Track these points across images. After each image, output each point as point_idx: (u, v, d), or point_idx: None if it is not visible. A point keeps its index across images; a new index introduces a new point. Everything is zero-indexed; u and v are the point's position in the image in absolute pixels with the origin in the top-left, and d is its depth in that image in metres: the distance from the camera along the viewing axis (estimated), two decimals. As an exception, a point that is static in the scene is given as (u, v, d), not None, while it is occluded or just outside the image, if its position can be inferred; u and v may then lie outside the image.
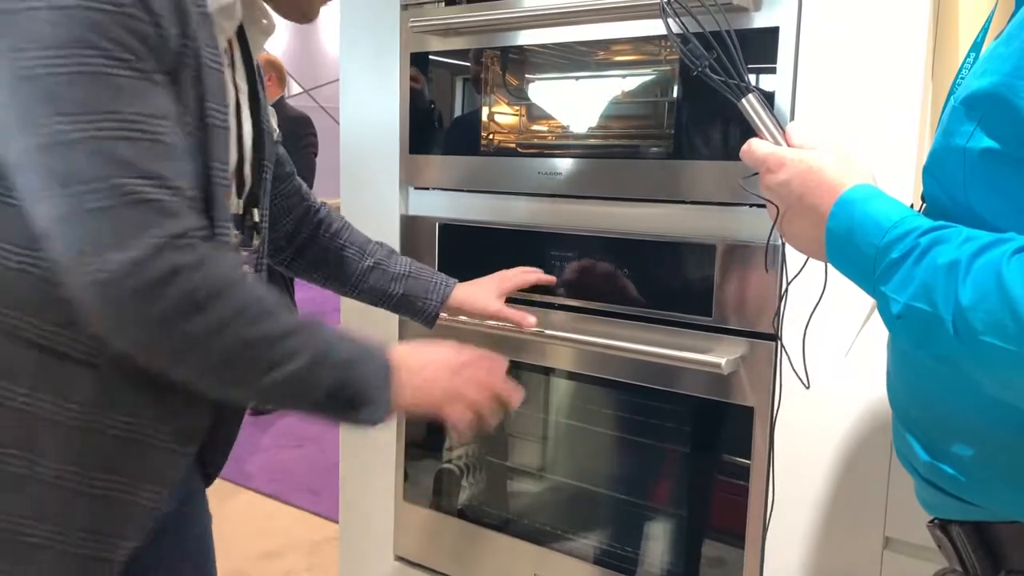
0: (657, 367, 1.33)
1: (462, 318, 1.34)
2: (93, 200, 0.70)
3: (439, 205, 1.61)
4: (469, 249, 1.55)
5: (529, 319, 1.31)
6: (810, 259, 0.83)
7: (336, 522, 1.93)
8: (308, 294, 4.52)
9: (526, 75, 1.52)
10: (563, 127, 1.50)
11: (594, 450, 1.52)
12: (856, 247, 0.71)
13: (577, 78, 1.47)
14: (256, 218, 0.97)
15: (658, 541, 1.42)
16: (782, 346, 1.19)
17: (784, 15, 1.18)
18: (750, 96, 0.84)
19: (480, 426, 0.96)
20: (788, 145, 0.82)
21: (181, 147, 0.76)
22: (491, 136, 1.55)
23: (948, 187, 0.69)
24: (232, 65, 0.91)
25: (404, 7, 1.58)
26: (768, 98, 1.18)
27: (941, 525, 0.78)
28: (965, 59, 0.82)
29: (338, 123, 1.74)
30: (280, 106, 3.86)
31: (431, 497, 1.67)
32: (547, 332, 1.39)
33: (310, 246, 1.24)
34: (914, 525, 1.06)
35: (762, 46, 1.19)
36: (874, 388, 1.13)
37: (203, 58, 0.80)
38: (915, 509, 0.83)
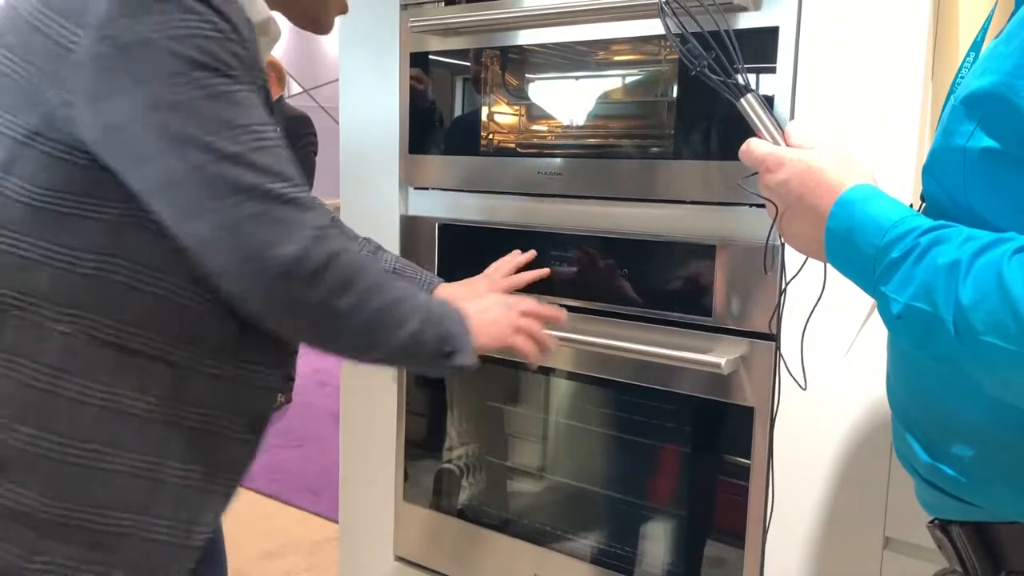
0: (657, 367, 1.33)
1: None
2: (250, 207, 0.79)
3: (439, 205, 1.61)
4: (469, 249, 1.55)
5: None
6: (809, 259, 0.83)
7: (336, 522, 1.93)
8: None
9: (526, 75, 1.52)
10: (563, 127, 1.50)
11: (594, 450, 1.52)
12: (856, 247, 0.71)
13: (577, 78, 1.47)
14: None
15: (658, 541, 1.42)
16: (778, 346, 1.19)
17: (784, 15, 1.18)
18: (749, 96, 0.84)
19: (543, 350, 1.15)
20: (787, 145, 0.81)
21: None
22: (491, 136, 1.55)
23: (948, 187, 0.69)
24: None
25: (404, 7, 1.58)
26: (768, 98, 1.18)
27: (941, 525, 0.78)
28: (965, 58, 0.81)
29: (338, 123, 1.74)
30: (280, 106, 3.87)
31: (431, 497, 1.67)
32: (546, 332, 1.39)
33: None
34: (914, 525, 1.06)
35: (762, 46, 1.19)
36: (874, 388, 1.13)
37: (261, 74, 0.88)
38: (915, 509, 0.83)
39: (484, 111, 1.54)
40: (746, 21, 1.19)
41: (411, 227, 1.62)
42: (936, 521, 0.79)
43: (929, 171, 0.73)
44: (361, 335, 0.89)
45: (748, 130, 0.85)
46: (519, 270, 1.40)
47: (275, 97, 3.83)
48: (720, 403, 1.28)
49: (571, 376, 1.49)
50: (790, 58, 1.18)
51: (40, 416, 0.82)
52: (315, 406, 3.88)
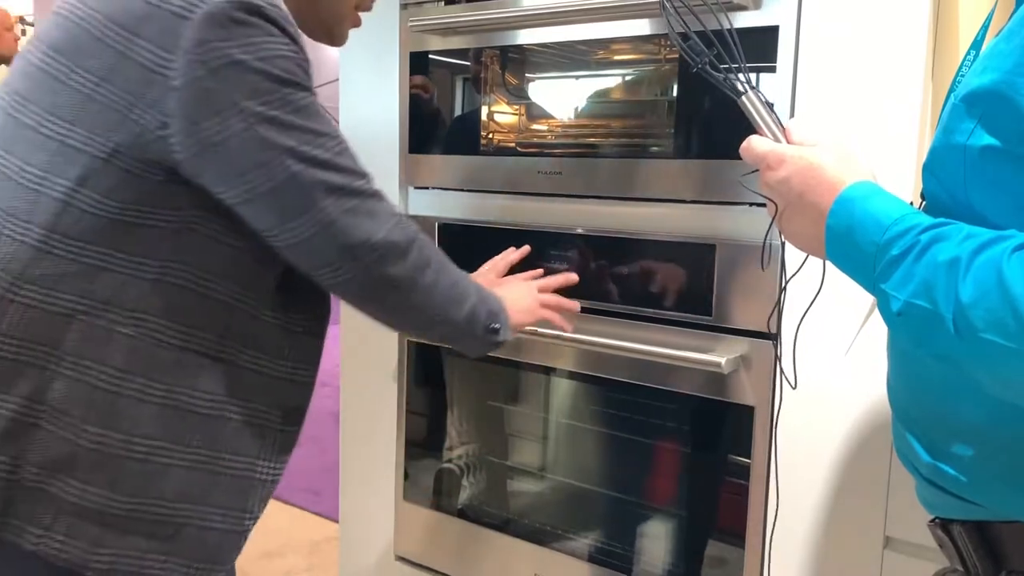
0: (657, 367, 1.33)
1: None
2: (344, 203, 0.89)
3: (439, 205, 1.61)
4: (469, 248, 1.55)
5: None
6: (809, 257, 0.83)
7: (336, 522, 1.93)
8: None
9: (526, 74, 1.52)
10: (563, 126, 1.49)
11: (594, 450, 1.52)
12: (856, 244, 0.71)
13: (576, 77, 1.47)
14: None
15: (658, 541, 1.42)
16: (777, 345, 1.19)
17: (784, 13, 1.17)
18: (750, 93, 0.84)
19: (571, 319, 1.30)
20: (788, 142, 0.81)
21: None
22: (491, 135, 1.55)
23: (948, 185, 0.69)
24: None
25: (403, 6, 1.58)
26: (768, 97, 1.17)
27: (942, 524, 0.78)
28: (965, 56, 0.81)
29: (338, 122, 1.74)
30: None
31: (431, 497, 1.67)
32: (547, 332, 1.39)
33: None
34: (914, 524, 1.06)
35: (762, 45, 1.19)
36: (874, 387, 1.13)
37: None
38: (915, 508, 0.83)
39: (484, 110, 1.54)
40: (746, 20, 1.19)
41: (411, 226, 1.62)
42: (937, 520, 0.78)
43: (929, 169, 0.72)
44: (437, 308, 1.01)
45: (749, 128, 0.84)
46: (513, 268, 1.41)
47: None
48: (720, 402, 1.28)
49: (571, 376, 1.49)
50: (790, 57, 1.18)
51: (106, 415, 0.87)
52: (315, 406, 3.85)
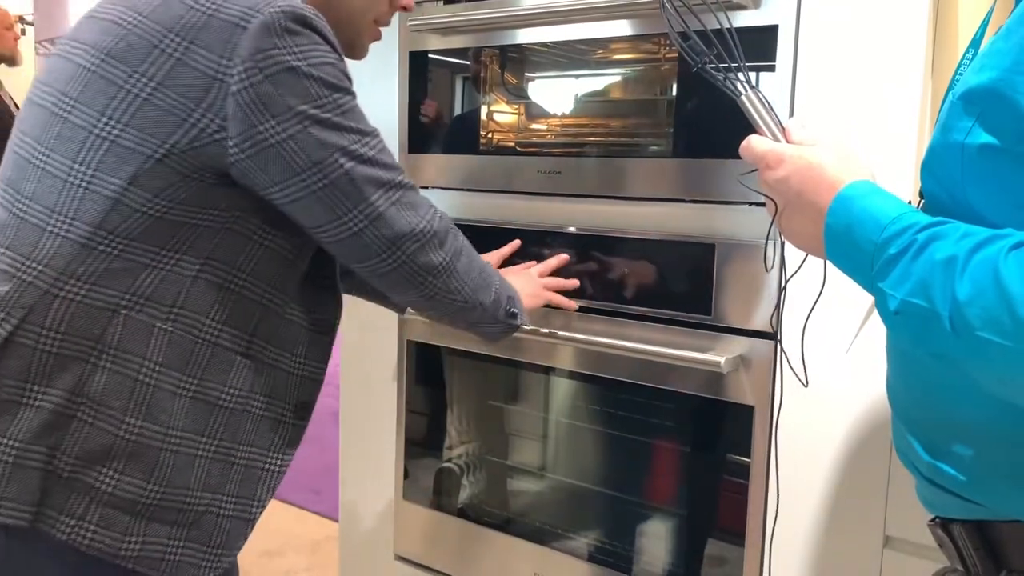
0: (656, 366, 1.33)
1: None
2: (391, 196, 0.96)
3: (438, 204, 1.58)
4: (468, 248, 1.55)
5: None
6: (809, 257, 0.83)
7: (336, 521, 1.93)
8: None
9: (525, 74, 1.52)
10: (562, 126, 1.49)
11: (594, 449, 1.52)
12: (854, 243, 0.71)
13: (576, 77, 1.47)
14: None
15: (658, 540, 1.42)
16: (780, 344, 1.19)
17: (783, 13, 1.17)
18: (750, 92, 0.84)
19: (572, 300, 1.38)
20: (787, 142, 0.81)
21: None
22: (490, 135, 1.55)
23: (946, 183, 0.69)
24: None
25: (403, 6, 1.57)
26: (767, 96, 1.17)
27: (942, 524, 0.77)
28: (964, 55, 0.81)
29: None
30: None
31: (431, 496, 1.67)
32: (546, 331, 1.39)
33: None
34: (914, 524, 1.06)
35: (761, 44, 1.18)
36: (874, 386, 1.13)
37: None
38: (915, 508, 0.83)
39: (483, 110, 1.54)
40: (745, 19, 1.19)
41: (411, 226, 1.62)
42: (937, 519, 0.78)
43: (928, 168, 0.72)
44: (469, 293, 1.07)
45: (748, 127, 0.84)
46: (505, 261, 1.44)
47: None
48: (720, 402, 1.28)
49: (571, 375, 1.48)
50: (789, 56, 1.17)
51: (145, 408, 0.91)
52: (315, 405, 3.87)
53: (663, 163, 1.32)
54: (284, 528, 2.77)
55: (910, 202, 0.72)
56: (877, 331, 1.10)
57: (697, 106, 1.28)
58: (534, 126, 1.55)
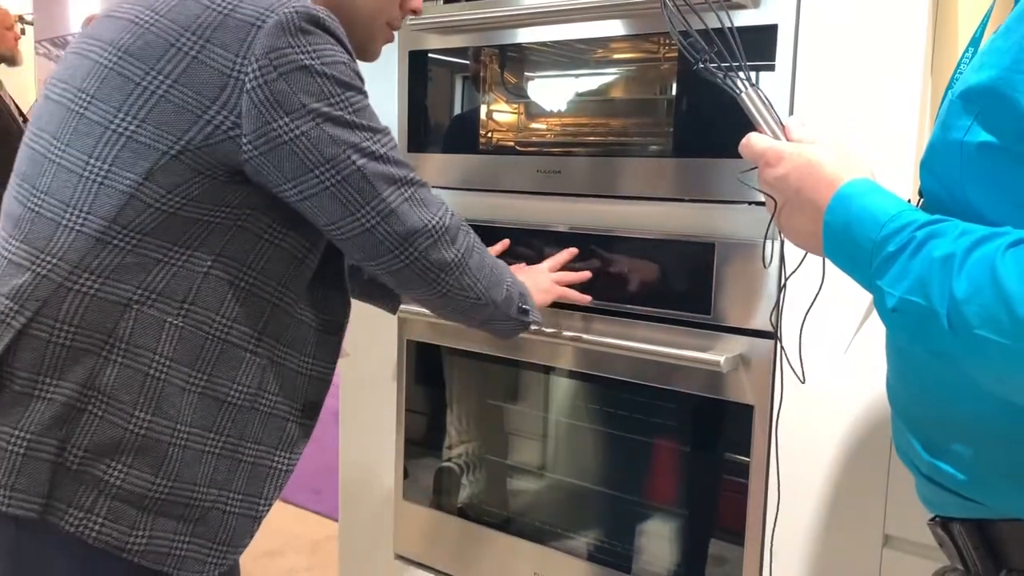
0: (656, 365, 1.33)
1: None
2: (403, 192, 0.97)
3: (438, 203, 1.60)
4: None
5: None
6: (808, 255, 0.83)
7: (337, 520, 1.93)
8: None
9: (525, 73, 1.52)
10: (562, 125, 1.49)
11: (594, 448, 1.52)
12: (853, 241, 0.71)
13: (575, 76, 1.47)
14: None
15: (657, 539, 1.42)
16: (780, 343, 1.19)
17: (783, 12, 1.17)
18: (750, 90, 0.84)
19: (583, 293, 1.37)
20: (787, 140, 0.81)
21: None
22: (490, 134, 1.55)
23: (945, 181, 0.69)
24: None
25: (402, 5, 1.57)
26: (767, 94, 1.17)
27: (942, 523, 0.77)
28: (964, 53, 0.81)
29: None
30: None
31: (431, 496, 1.67)
32: (546, 331, 1.39)
33: None
34: (914, 523, 1.06)
35: (761, 43, 1.18)
36: (874, 385, 1.12)
37: None
38: (915, 507, 0.83)
39: (483, 109, 1.54)
40: (745, 18, 1.19)
41: (410, 225, 1.62)
42: (937, 518, 0.78)
43: (927, 166, 0.72)
44: (482, 289, 1.07)
45: (748, 125, 0.84)
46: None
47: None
48: (719, 401, 1.28)
49: (571, 374, 1.48)
50: (789, 55, 1.17)
51: (155, 402, 0.92)
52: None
53: (662, 162, 1.32)
54: (284, 528, 2.77)
55: (909, 200, 0.72)
56: (877, 330, 1.09)
57: (696, 105, 1.28)
58: (534, 125, 1.55)
